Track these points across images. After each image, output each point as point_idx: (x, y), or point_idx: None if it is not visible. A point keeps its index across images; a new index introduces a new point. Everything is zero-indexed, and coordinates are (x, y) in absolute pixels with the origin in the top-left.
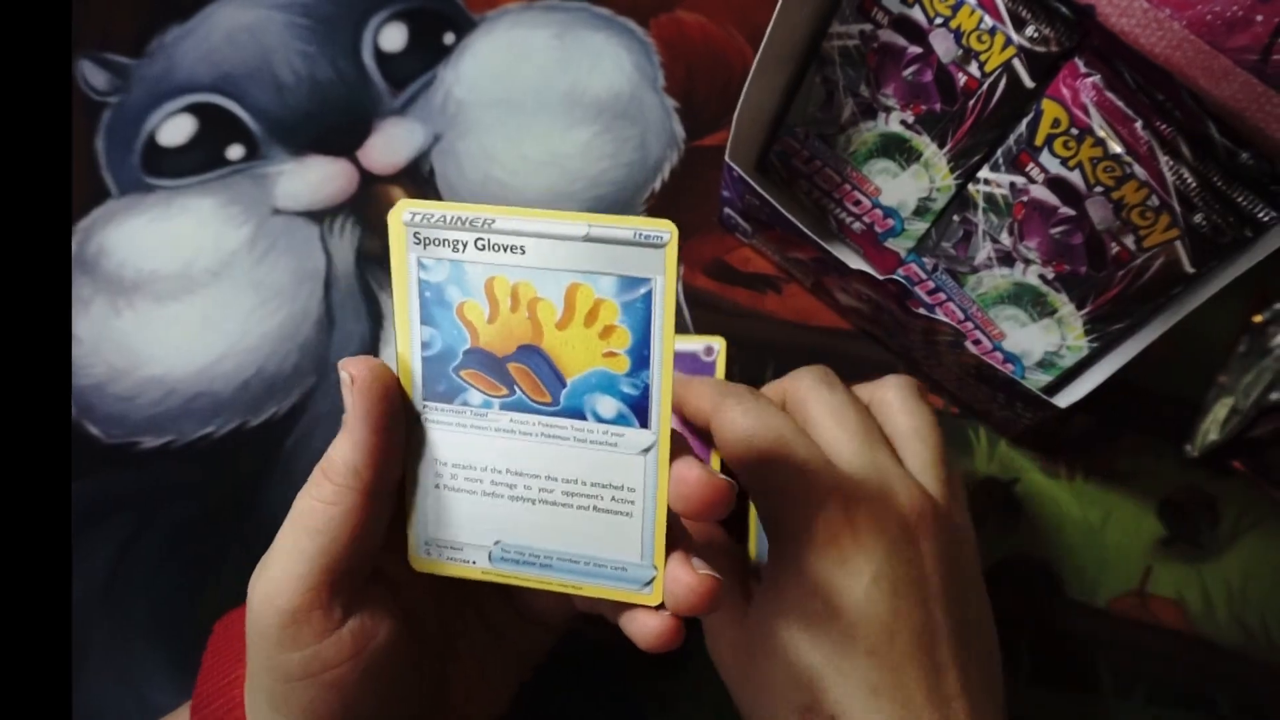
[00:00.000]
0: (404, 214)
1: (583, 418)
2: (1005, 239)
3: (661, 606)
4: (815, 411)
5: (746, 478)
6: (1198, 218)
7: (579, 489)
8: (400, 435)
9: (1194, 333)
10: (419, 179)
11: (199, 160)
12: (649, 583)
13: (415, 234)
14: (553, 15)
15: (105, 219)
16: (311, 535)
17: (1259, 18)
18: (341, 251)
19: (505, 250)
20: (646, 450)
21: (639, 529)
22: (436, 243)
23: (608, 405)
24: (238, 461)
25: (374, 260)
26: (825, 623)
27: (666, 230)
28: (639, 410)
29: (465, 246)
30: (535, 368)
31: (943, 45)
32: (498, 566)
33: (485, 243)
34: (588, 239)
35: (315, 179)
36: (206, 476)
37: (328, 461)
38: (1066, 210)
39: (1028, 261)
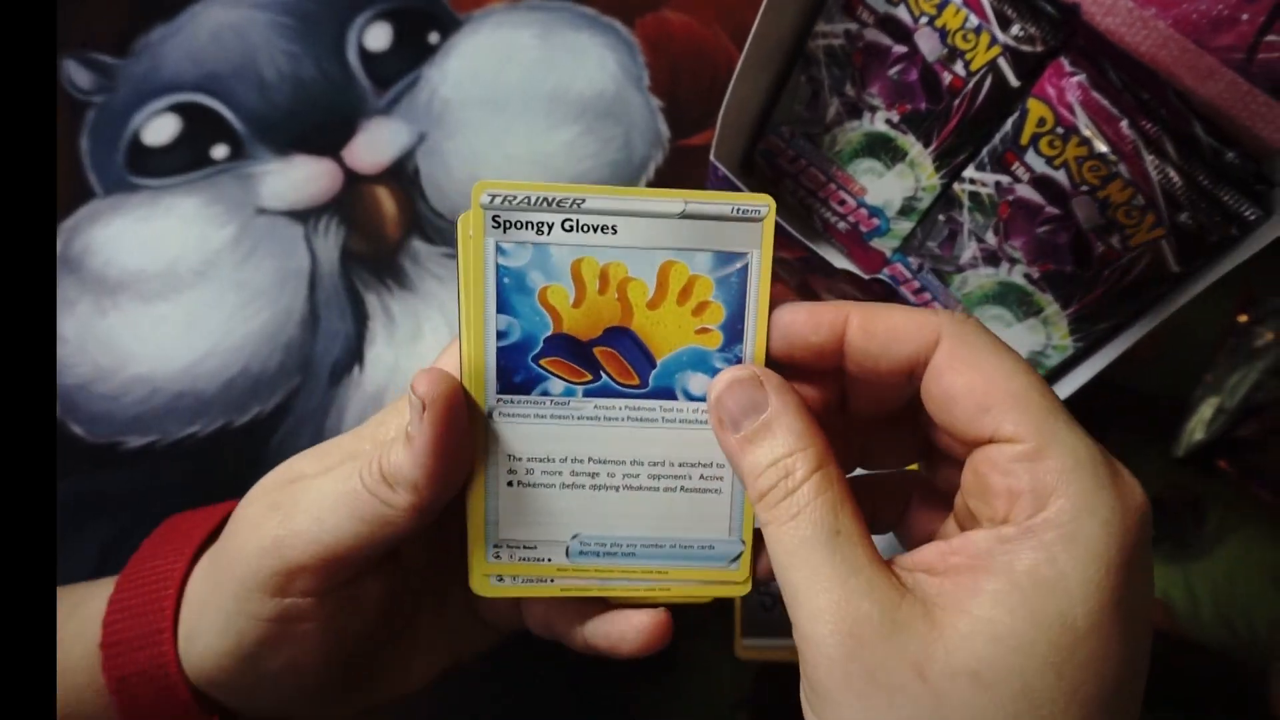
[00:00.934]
0: (482, 196)
1: (673, 397)
2: (990, 238)
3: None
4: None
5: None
6: (1183, 217)
7: (666, 470)
8: (464, 456)
9: (1180, 332)
10: (404, 178)
11: (184, 160)
12: (736, 558)
13: (494, 217)
14: (537, 15)
15: (90, 218)
16: (355, 521)
17: (1244, 16)
18: (326, 251)
19: (596, 230)
20: None
21: (727, 505)
22: (519, 225)
23: (699, 382)
24: (223, 461)
25: (359, 259)
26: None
27: (765, 204)
28: None
29: (551, 228)
30: (624, 350)
31: (928, 44)
32: (576, 561)
33: (574, 223)
34: (684, 215)
35: (300, 178)
36: (192, 476)
37: (391, 466)
38: (1052, 209)
39: (1013, 261)
